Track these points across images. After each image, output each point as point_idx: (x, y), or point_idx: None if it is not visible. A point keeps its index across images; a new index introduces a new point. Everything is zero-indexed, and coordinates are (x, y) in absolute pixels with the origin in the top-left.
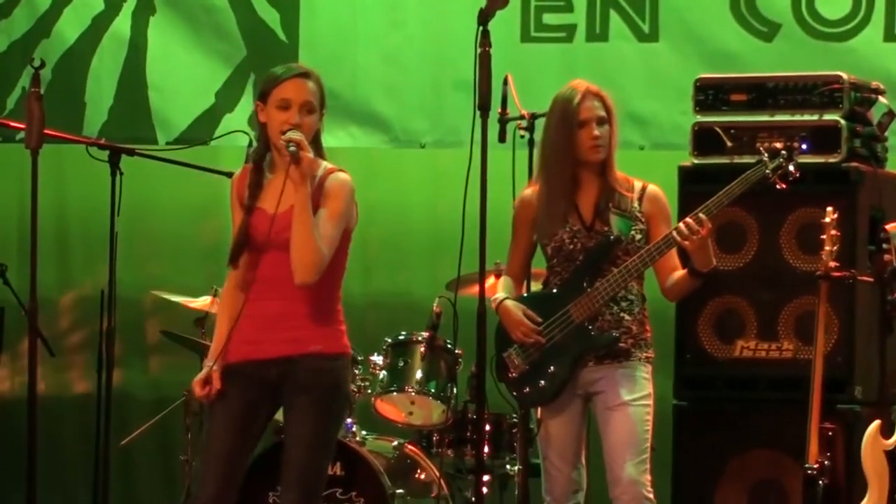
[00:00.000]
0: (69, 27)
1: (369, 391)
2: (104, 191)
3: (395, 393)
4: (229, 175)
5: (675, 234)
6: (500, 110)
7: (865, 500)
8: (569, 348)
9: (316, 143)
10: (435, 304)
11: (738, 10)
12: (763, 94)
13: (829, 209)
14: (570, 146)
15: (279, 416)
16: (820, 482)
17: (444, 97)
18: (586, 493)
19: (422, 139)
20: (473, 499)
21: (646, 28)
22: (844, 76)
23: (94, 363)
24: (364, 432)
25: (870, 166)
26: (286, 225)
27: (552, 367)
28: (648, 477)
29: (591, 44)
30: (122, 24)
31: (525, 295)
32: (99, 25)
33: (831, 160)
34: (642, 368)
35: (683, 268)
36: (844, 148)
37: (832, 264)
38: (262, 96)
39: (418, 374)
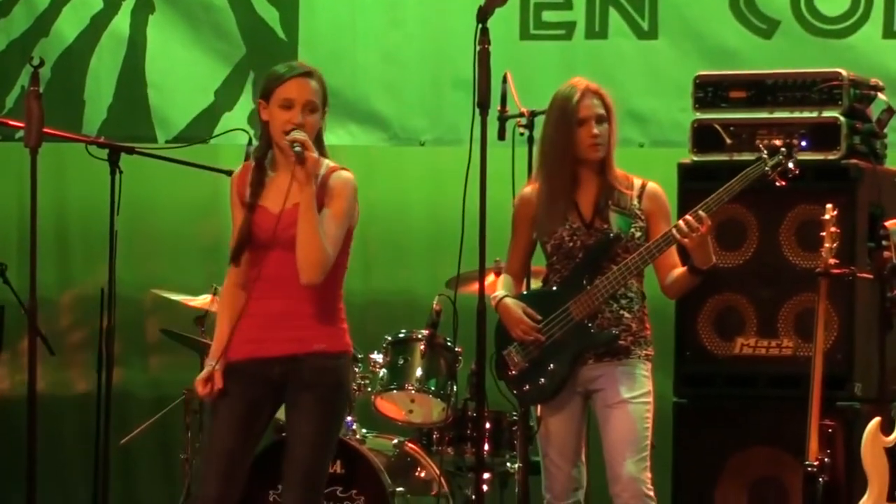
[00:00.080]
0: (68, 26)
1: (369, 389)
2: (104, 189)
3: (395, 391)
4: (229, 173)
5: (674, 231)
6: (499, 108)
7: (865, 497)
8: (568, 346)
9: (318, 141)
10: (435, 302)
11: (737, 7)
12: (762, 90)
13: (829, 206)
14: (569, 144)
15: (280, 414)
16: (820, 479)
17: (443, 95)
18: (586, 490)
19: (421, 137)
20: (473, 497)
21: (645, 25)
22: (843, 73)
23: (93, 362)
24: (364, 430)
25: (869, 163)
26: (291, 222)
27: (552, 365)
28: (649, 474)
29: (590, 41)
30: (121, 22)
31: (525, 293)
32: (98, 24)
33: (830, 157)
34: (642, 366)
35: (683, 265)
36: (844, 145)
37: (832, 261)
38: (264, 94)
39: (418, 372)
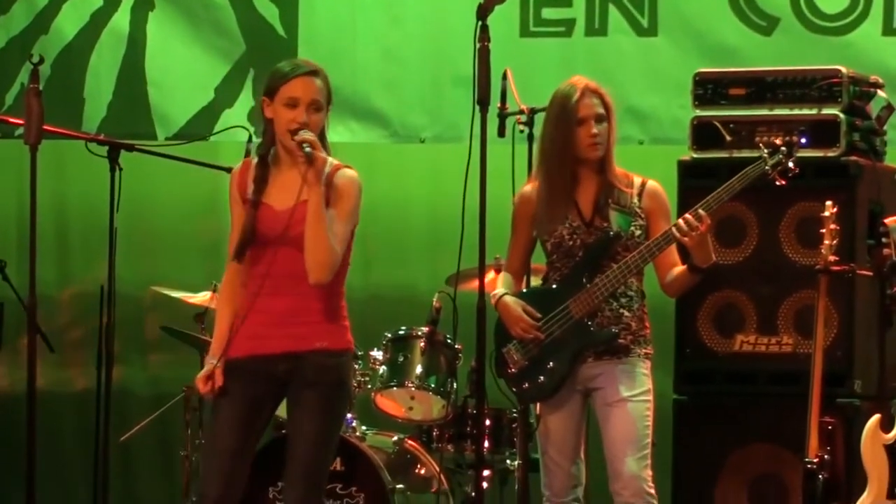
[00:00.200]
0: (68, 23)
1: (369, 386)
2: (103, 186)
3: (394, 388)
4: (228, 170)
5: (674, 230)
6: (499, 105)
7: (865, 494)
8: (568, 344)
9: (322, 139)
10: (435, 299)
11: (736, 5)
12: (762, 88)
13: (829, 203)
14: (568, 143)
15: (280, 411)
16: (820, 476)
17: (443, 92)
18: (585, 487)
19: (421, 134)
20: (473, 494)
21: (644, 22)
22: (843, 70)
23: (93, 359)
24: (364, 427)
25: (869, 160)
26: (299, 219)
27: (551, 363)
28: (650, 472)
29: (590, 38)
30: (121, 19)
31: (524, 291)
32: (98, 21)
33: (830, 154)
34: (641, 365)
35: (683, 264)
36: (843, 142)
37: (831, 258)
38: (268, 92)
39: (418, 369)
